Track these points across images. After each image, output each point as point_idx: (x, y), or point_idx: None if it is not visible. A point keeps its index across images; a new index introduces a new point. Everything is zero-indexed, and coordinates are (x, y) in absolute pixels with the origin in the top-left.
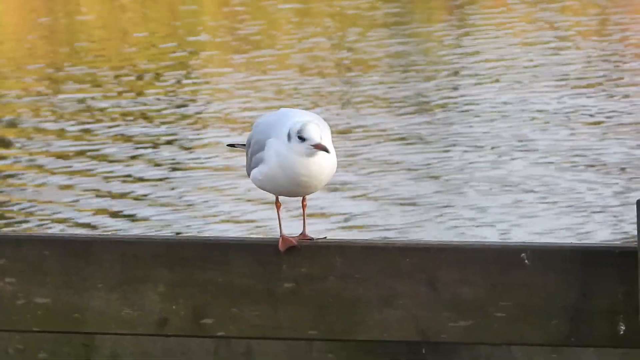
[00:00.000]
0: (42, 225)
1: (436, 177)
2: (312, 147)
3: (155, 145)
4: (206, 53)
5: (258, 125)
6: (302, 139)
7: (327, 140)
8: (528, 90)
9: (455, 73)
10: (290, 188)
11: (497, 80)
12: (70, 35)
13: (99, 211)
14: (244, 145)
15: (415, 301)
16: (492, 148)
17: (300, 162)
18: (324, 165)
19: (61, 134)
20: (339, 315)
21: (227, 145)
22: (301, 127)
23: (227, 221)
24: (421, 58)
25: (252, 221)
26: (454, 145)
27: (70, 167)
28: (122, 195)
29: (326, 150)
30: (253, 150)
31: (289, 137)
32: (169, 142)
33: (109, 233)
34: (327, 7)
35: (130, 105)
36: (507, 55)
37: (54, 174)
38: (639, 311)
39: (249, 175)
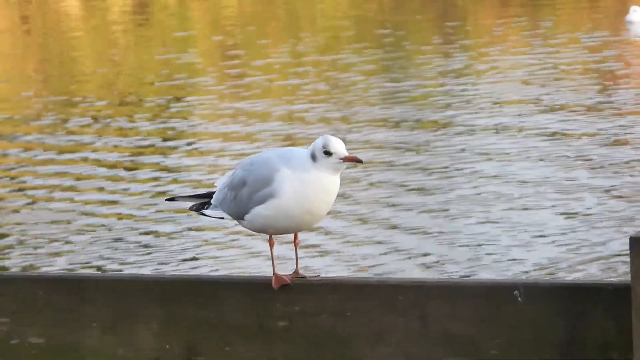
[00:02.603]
0: (33, 262)
1: (428, 211)
2: (342, 160)
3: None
4: (197, 80)
5: (253, 163)
6: (328, 153)
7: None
8: (519, 118)
9: (448, 105)
10: (303, 218)
11: (492, 105)
12: (63, 67)
13: (91, 249)
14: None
15: (408, 338)
16: (486, 184)
17: (324, 185)
18: (332, 191)
19: (54, 170)
20: (333, 352)
21: (166, 200)
22: (326, 142)
23: (217, 257)
24: (412, 84)
25: (244, 255)
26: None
27: (62, 202)
28: (116, 235)
29: (359, 161)
30: (253, 189)
31: (314, 156)
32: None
33: (101, 272)
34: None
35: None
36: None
37: (46, 209)
38: (633, 347)
39: (240, 218)
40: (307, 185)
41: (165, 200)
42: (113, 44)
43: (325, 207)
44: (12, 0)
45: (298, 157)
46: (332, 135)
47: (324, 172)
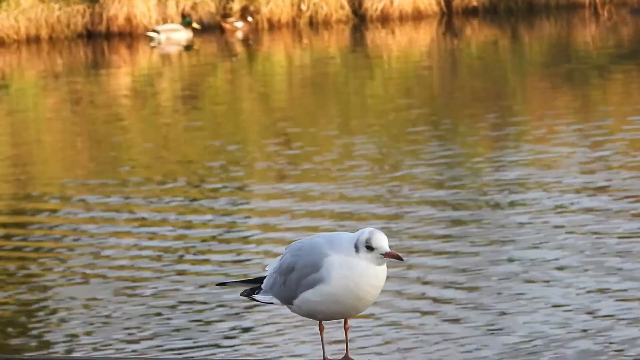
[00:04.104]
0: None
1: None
2: (383, 255)
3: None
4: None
5: (302, 249)
6: (370, 248)
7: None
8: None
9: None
10: (351, 304)
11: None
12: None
13: (139, 332)
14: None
15: None
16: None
17: (372, 271)
18: (381, 278)
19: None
20: None
21: (218, 285)
22: (369, 237)
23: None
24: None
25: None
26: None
27: (100, 281)
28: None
29: (400, 258)
30: (302, 274)
31: (357, 247)
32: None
33: (140, 357)
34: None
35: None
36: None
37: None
38: None
39: (289, 302)
40: (355, 271)
41: (217, 285)
42: (161, 129)
43: (374, 293)
44: (65, 97)
45: (346, 244)
46: (377, 229)
47: (364, 263)
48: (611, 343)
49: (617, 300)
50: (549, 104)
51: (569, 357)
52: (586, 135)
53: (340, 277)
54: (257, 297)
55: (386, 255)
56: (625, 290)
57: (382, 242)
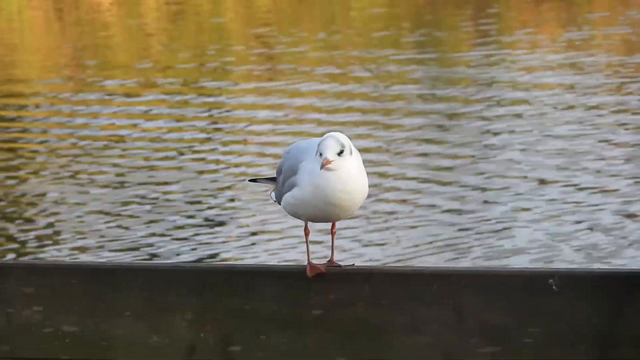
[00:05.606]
0: (65, 250)
1: (464, 205)
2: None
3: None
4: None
5: (289, 152)
6: (320, 154)
7: (347, 158)
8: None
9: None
10: (325, 208)
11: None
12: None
13: (125, 236)
14: (269, 179)
15: (443, 327)
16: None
17: (332, 176)
18: (348, 183)
19: (83, 158)
20: (367, 342)
21: (250, 180)
22: (320, 141)
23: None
24: (447, 85)
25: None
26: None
27: (92, 191)
28: (149, 220)
29: (327, 168)
30: (285, 176)
31: (317, 152)
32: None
33: (136, 260)
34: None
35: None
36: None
37: (78, 203)
38: None
39: (279, 202)
40: (317, 176)
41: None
42: (147, 33)
43: (345, 198)
44: None
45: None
46: (335, 133)
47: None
48: (581, 230)
49: (591, 193)
50: (532, 10)
51: (537, 252)
52: (567, 39)
53: (307, 182)
54: (272, 195)
55: (323, 161)
56: (601, 185)
57: (324, 147)
